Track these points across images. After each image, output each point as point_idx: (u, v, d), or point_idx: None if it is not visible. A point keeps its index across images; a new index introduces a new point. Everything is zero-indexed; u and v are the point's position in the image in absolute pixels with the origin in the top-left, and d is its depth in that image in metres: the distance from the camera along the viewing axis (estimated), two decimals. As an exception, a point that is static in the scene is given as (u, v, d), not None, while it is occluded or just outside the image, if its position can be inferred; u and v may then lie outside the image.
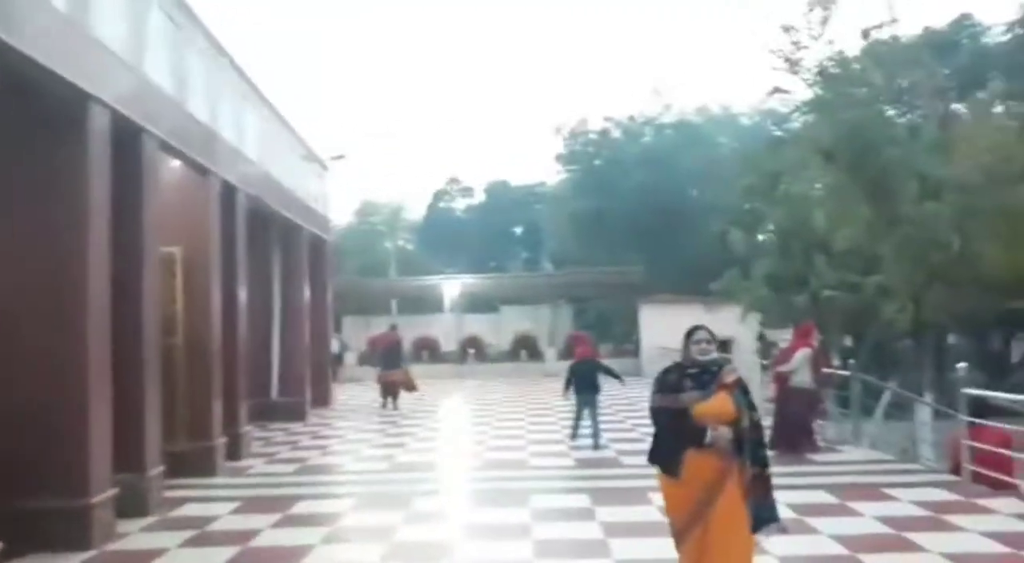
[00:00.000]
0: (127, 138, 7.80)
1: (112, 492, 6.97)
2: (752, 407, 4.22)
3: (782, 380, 10.77)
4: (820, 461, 9.95)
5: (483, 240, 49.49)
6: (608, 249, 34.30)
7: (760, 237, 20.21)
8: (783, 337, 13.54)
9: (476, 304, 37.55)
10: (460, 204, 55.48)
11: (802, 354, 10.92)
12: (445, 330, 30.91)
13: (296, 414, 15.05)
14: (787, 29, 13.70)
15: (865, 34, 14.28)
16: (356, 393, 20.93)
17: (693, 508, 4.04)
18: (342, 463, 10.81)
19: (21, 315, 6.62)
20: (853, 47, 14.70)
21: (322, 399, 17.28)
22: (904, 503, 7.62)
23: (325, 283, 18.27)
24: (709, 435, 4.01)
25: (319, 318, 17.50)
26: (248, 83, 12.53)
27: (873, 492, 8.09)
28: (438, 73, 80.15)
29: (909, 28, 19.58)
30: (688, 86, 68.98)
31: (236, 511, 7.95)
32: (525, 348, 29.50)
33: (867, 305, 16.00)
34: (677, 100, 47.10)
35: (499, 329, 33.21)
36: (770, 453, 5.05)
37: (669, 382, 4.25)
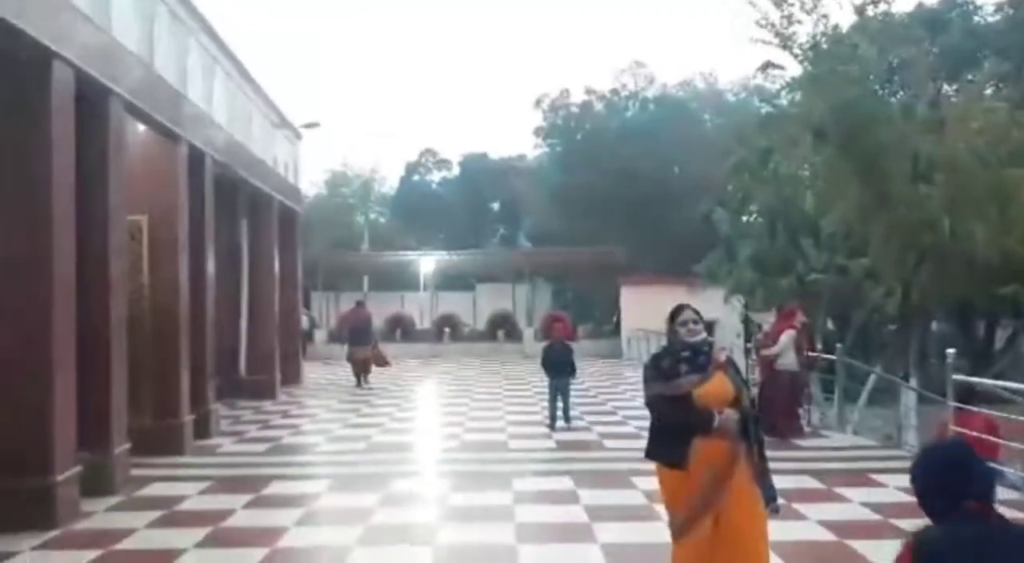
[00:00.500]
0: (92, 99, 7.64)
1: (76, 470, 6.91)
2: (747, 385, 4.26)
3: (767, 363, 10.89)
4: (805, 446, 10.11)
5: (459, 215, 49.30)
6: (588, 227, 34.33)
7: (746, 218, 20.26)
8: (768, 320, 13.65)
9: (451, 281, 37.46)
10: (435, 176, 55.18)
11: (787, 336, 11.05)
12: (419, 308, 30.88)
13: (266, 392, 14.99)
14: (779, 3, 13.67)
15: (859, 10, 14.29)
16: (327, 371, 20.88)
17: (699, 498, 4.00)
18: (315, 443, 10.80)
19: (-20, 284, 6.50)
20: (845, 23, 14.76)
21: (292, 377, 17.23)
22: (890, 489, 7.78)
23: (295, 256, 18.13)
24: (717, 419, 4.00)
25: (289, 293, 17.38)
26: (219, 44, 12.32)
27: (859, 477, 8.25)
28: (415, 40, 79.42)
29: (902, 5, 19.66)
30: (672, 60, 69.07)
31: (205, 491, 7.92)
32: (502, 328, 29.53)
33: (854, 289, 16.18)
34: (660, 74, 47.25)
35: (475, 308, 33.26)
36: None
37: (663, 368, 4.19)
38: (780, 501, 4.22)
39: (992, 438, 8.37)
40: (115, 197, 8.08)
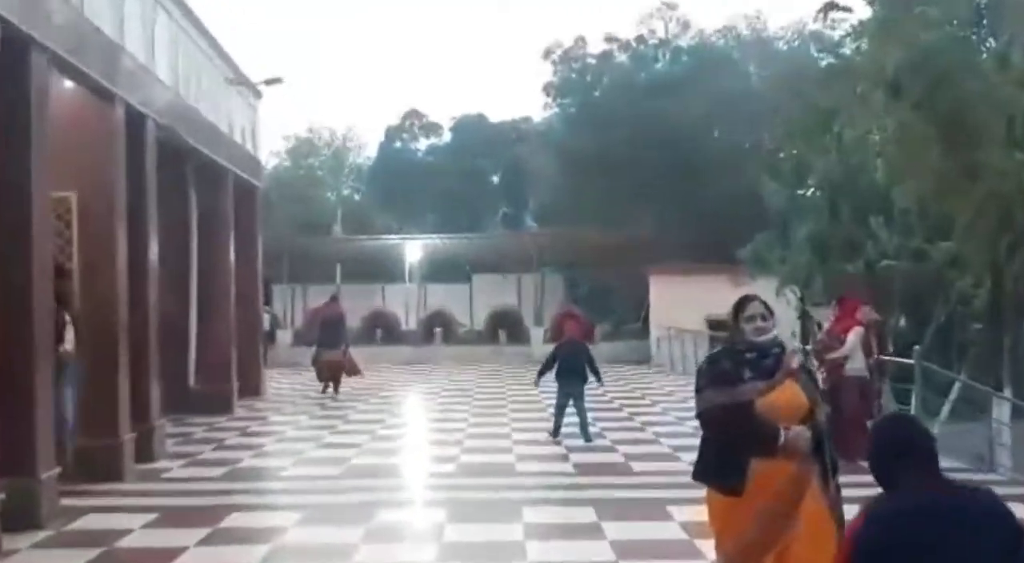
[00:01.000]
0: (10, 52, 7.63)
1: (-5, 500, 6.93)
2: (823, 396, 4.25)
3: (834, 369, 10.89)
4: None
5: (451, 190, 49.28)
6: (609, 204, 34.34)
7: (802, 191, 20.30)
8: (829, 316, 13.66)
9: (443, 271, 37.52)
10: (422, 144, 55.20)
11: (855, 335, 11.08)
12: (404, 304, 30.98)
13: (220, 405, 15.03)
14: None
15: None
16: (293, 380, 20.99)
17: (757, 530, 4.00)
18: (282, 466, 10.85)
19: None
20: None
21: (252, 387, 17.27)
22: (982, 520, 7.78)
23: (255, 241, 18.16)
24: (783, 436, 4.00)
25: (248, 285, 17.41)
26: (161, -18, 12.31)
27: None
28: (395, -23, 79.29)
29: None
30: (710, 1, 68.86)
31: (151, 524, 7.96)
32: (504, 327, 29.64)
33: (934, 278, 16.21)
34: (696, 18, 47.09)
35: (472, 303, 33.34)
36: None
37: (723, 372, 4.19)
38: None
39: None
40: (37, 169, 8.07)
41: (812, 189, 20.01)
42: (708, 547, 6.34)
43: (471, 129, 50.89)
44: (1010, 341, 15.58)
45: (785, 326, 22.41)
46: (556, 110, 41.44)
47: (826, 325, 12.37)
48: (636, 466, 10.49)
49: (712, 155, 32.87)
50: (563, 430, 12.14)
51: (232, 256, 16.22)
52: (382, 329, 29.43)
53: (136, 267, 10.60)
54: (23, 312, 7.81)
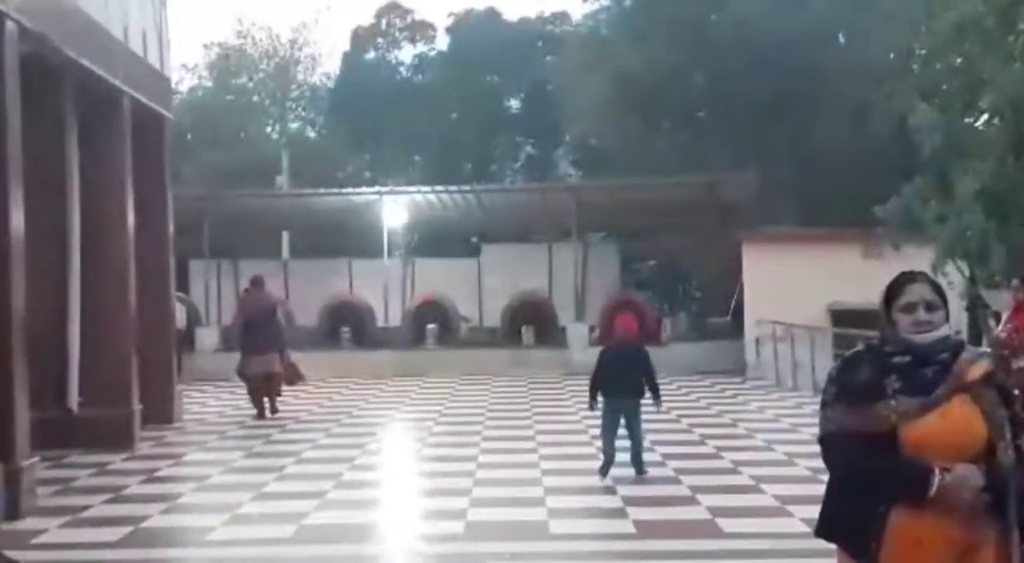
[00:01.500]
0: None
1: None
2: (1019, 424, 4.19)
3: (1021, 377, 10.89)
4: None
5: (449, 123, 49.15)
6: (683, 143, 34.23)
7: (972, 121, 20.19)
8: (1008, 301, 13.58)
9: (439, 241, 37.51)
10: (406, 54, 55.13)
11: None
12: (382, 288, 30.93)
13: (116, 438, 15.14)
14: None
15: None
16: (220, 400, 21.05)
17: None
18: (207, 527, 10.90)
19: None
20: None
21: (161, 411, 17.40)
22: None
23: (164, 197, 18.26)
24: (936, 481, 3.98)
25: (155, 263, 17.52)
26: None
27: None
28: None
29: None
30: None
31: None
32: (530, 322, 29.55)
33: None
34: None
35: (480, 287, 33.29)
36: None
37: (858, 383, 4.15)
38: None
39: None
40: None
41: (987, 116, 19.86)
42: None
43: (479, 33, 50.60)
44: None
45: (950, 314, 22.39)
46: (605, 2, 41.32)
47: (1005, 315, 12.36)
48: (726, 525, 10.48)
49: (834, 72, 32.70)
50: (625, 482, 12.29)
51: (131, 219, 16.28)
52: (350, 326, 29.38)
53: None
54: None
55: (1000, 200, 18.34)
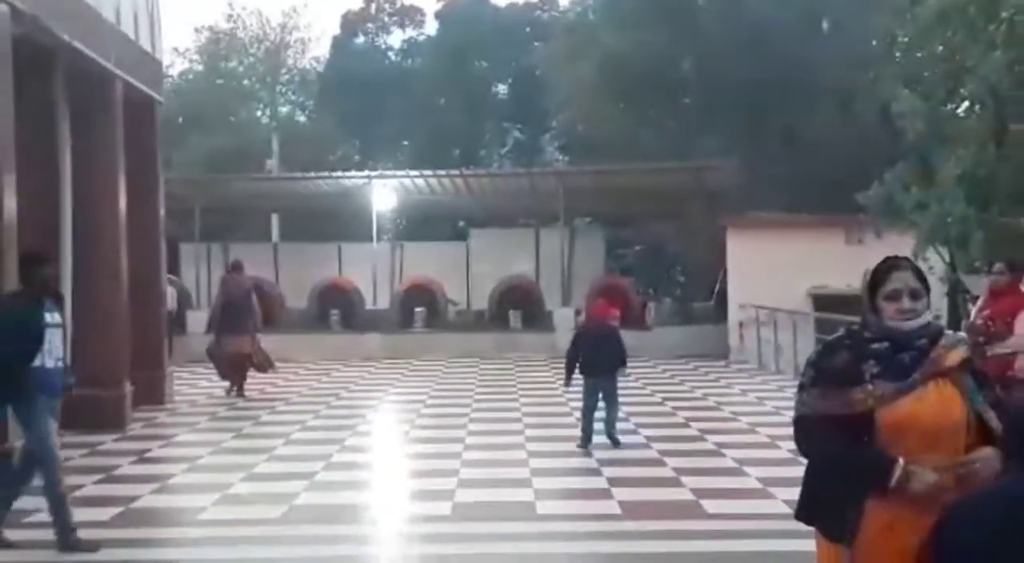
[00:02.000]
0: None
1: None
2: (996, 409, 4.20)
3: (1001, 368, 10.87)
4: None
5: (438, 108, 49.13)
6: (669, 129, 34.26)
7: (953, 107, 20.22)
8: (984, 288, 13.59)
9: (427, 225, 37.52)
10: (395, 40, 55.10)
11: (1031, 317, 11.07)
12: (371, 272, 30.98)
13: (107, 418, 15.13)
14: None
15: None
16: (211, 381, 21.06)
17: None
18: (199, 507, 10.92)
19: None
20: None
21: (152, 392, 17.39)
22: None
23: (155, 181, 18.21)
24: (897, 472, 4.00)
25: (147, 245, 17.49)
26: None
27: None
28: None
29: None
30: None
31: (12, 590, 8.06)
32: (517, 305, 29.60)
33: None
34: None
35: (468, 271, 33.32)
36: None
37: (836, 368, 4.17)
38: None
39: None
40: None
41: (968, 104, 19.90)
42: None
43: (468, 18, 50.55)
44: None
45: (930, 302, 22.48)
46: (592, -10, 41.33)
47: (980, 301, 12.34)
48: (711, 506, 10.52)
49: (819, 60, 32.69)
50: (610, 464, 12.39)
51: (122, 202, 16.26)
52: (339, 309, 29.44)
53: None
54: None
55: (980, 187, 18.42)
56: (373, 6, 54.46)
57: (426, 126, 47.92)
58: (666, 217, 33.46)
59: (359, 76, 50.05)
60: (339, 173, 35.45)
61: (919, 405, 4.08)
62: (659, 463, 12.76)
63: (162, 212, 18.70)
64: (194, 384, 20.52)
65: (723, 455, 13.40)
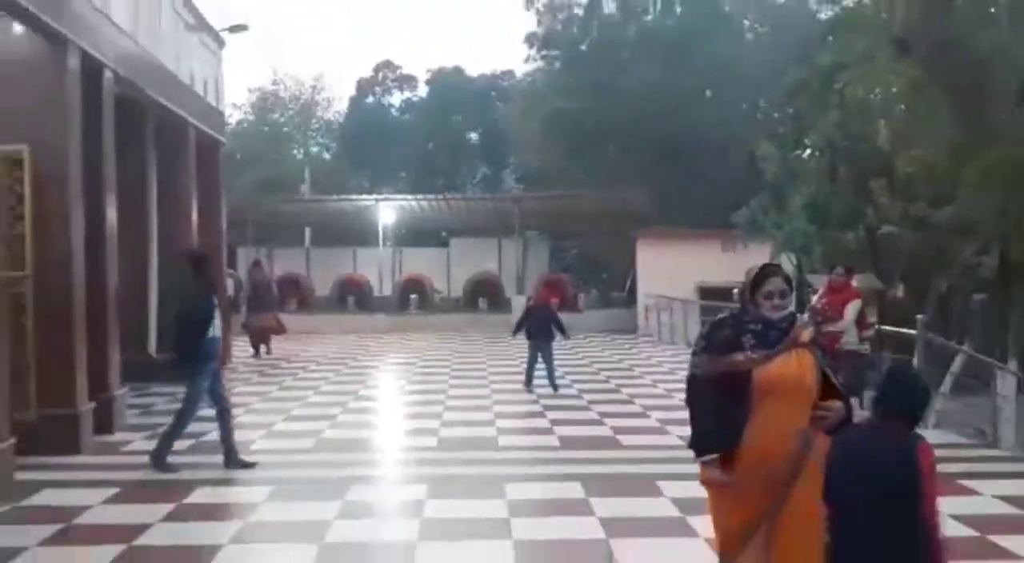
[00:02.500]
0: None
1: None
2: (835, 371, 4.28)
3: (831, 343, 10.99)
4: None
5: (427, 149, 49.13)
6: (597, 167, 34.30)
7: (800, 153, 20.40)
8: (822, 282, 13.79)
9: (419, 235, 37.44)
10: (395, 98, 55.01)
11: (854, 307, 11.26)
12: (377, 269, 30.97)
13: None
14: None
15: None
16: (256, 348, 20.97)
17: (755, 511, 4.07)
18: (250, 439, 10.83)
19: None
20: None
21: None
22: (986, 497, 7.96)
23: (219, 202, 18.08)
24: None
25: (213, 249, 17.30)
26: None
27: (946, 484, 8.33)
28: (368, -82, 78.21)
29: None
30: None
31: (112, 500, 7.98)
32: (484, 295, 29.73)
33: (936, 247, 16.30)
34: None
35: (449, 269, 33.36)
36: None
37: (721, 339, 4.22)
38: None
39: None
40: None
41: (811, 151, 20.12)
42: (700, 523, 6.49)
43: (449, 84, 50.59)
44: (1017, 313, 15.71)
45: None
46: (540, 64, 41.20)
47: (820, 291, 12.47)
48: (624, 440, 10.59)
49: (706, 117, 32.93)
50: (552, 409, 12.34)
51: (195, 218, 16.13)
52: (354, 296, 29.54)
53: (94, 231, 10.61)
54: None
55: (819, 212, 18.66)
56: (380, 74, 54.59)
57: (418, 163, 48.30)
58: (595, 231, 33.56)
59: (369, 126, 50.29)
60: (354, 196, 35.50)
61: (785, 367, 4.14)
62: (587, 409, 12.85)
63: (224, 225, 18.59)
64: (245, 350, 20.43)
65: (633, 403, 13.46)
